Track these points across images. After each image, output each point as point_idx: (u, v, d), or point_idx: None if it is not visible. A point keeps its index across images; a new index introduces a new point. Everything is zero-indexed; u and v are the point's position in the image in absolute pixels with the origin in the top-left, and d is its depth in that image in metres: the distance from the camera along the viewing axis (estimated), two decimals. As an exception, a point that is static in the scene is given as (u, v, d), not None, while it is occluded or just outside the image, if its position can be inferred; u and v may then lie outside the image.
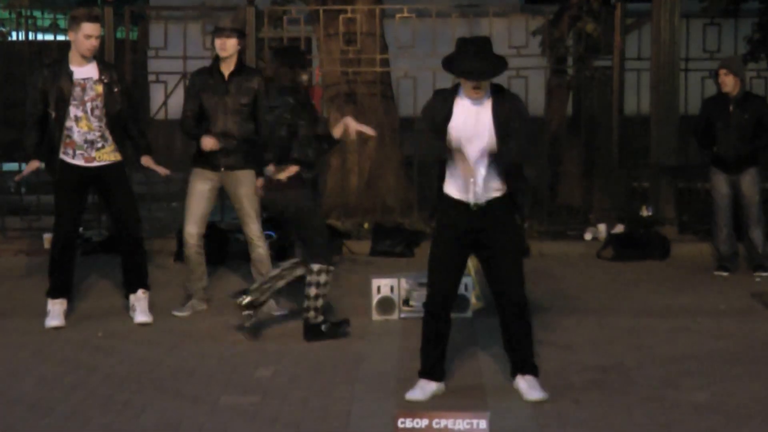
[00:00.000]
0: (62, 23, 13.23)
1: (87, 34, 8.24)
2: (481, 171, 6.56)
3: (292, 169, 7.92)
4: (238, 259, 11.05)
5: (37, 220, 12.01)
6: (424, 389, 6.76)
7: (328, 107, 12.91)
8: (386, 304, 8.79)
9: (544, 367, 7.16)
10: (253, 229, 8.95)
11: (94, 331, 8.43)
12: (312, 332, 8.08)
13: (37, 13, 12.95)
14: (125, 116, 8.56)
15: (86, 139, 8.39)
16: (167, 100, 12.29)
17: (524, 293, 6.80)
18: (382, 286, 8.82)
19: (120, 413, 6.51)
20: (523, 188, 6.70)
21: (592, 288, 10.14)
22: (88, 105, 8.36)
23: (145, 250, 8.92)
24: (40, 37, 13.16)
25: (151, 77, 12.84)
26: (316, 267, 8.03)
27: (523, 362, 6.82)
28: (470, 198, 6.59)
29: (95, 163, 8.44)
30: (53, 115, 8.34)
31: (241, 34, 8.73)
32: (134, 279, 8.71)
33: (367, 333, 8.39)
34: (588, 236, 12.12)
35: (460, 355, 7.63)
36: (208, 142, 8.64)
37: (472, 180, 6.56)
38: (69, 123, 8.34)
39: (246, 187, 8.84)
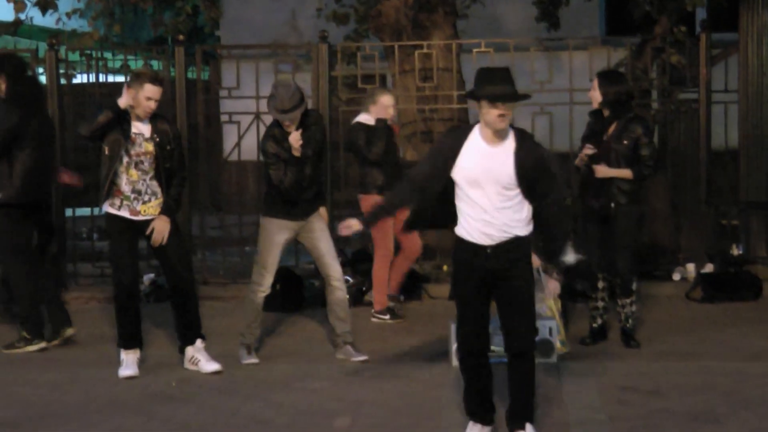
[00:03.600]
0: (133, 64, 13.18)
1: (148, 96, 8.21)
2: (492, 214, 6.41)
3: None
4: (314, 305, 10.87)
5: (109, 266, 11.88)
6: None
7: (404, 146, 12.69)
8: (467, 349, 8.51)
9: (630, 414, 7.04)
10: (335, 270, 8.82)
11: (168, 379, 8.32)
12: None
13: (108, 55, 12.87)
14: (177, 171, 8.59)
15: (133, 188, 8.36)
16: (240, 141, 12.11)
17: (530, 342, 6.53)
18: (463, 330, 8.54)
19: (195, 467, 6.35)
20: (559, 236, 6.50)
21: (681, 330, 9.84)
22: (134, 158, 8.34)
23: (197, 299, 8.75)
24: (110, 78, 13.09)
25: (224, 117, 12.72)
26: None
27: (516, 413, 6.59)
28: (482, 240, 6.44)
29: (140, 217, 8.41)
30: (106, 153, 8.33)
31: (302, 102, 8.58)
32: (190, 330, 8.61)
33: (448, 379, 8.19)
34: (676, 276, 11.87)
35: (545, 401, 7.41)
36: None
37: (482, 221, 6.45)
38: (120, 169, 8.33)
39: (319, 225, 8.80)
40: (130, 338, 8.50)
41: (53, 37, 12.70)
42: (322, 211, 8.93)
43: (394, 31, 12.48)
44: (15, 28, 13.76)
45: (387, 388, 7.96)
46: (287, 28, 18.81)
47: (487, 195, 6.37)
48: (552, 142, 11.54)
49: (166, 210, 8.44)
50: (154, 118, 8.38)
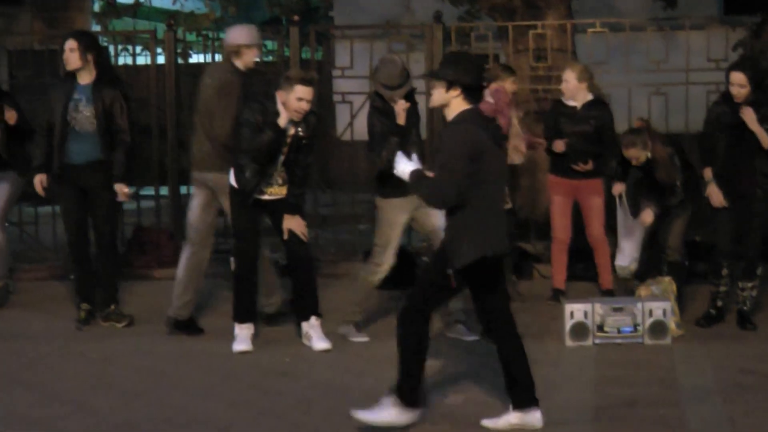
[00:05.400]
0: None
1: (299, 97, 8.19)
2: None
3: None
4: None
5: (223, 242, 12.05)
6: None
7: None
8: (580, 330, 8.56)
9: (748, 397, 7.00)
10: None
11: (281, 355, 8.38)
12: None
13: (223, 35, 13.00)
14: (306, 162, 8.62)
15: (268, 182, 8.46)
16: (353, 121, 12.17)
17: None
18: (576, 311, 8.57)
19: (309, 440, 6.44)
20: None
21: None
22: (281, 157, 8.43)
23: (315, 275, 8.80)
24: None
25: (337, 97, 12.78)
26: None
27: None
28: None
29: (265, 197, 8.49)
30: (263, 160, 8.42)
31: (409, 78, 8.63)
32: (306, 306, 8.63)
33: (560, 359, 8.20)
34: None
35: (658, 383, 7.40)
36: None
37: None
38: (270, 170, 8.42)
39: None
40: (246, 312, 8.57)
41: (171, 18, 12.90)
42: None
43: (507, 11, 12.41)
44: (135, 9, 14.03)
45: (498, 367, 7.83)
46: (400, 8, 18.82)
47: None
48: (667, 123, 11.40)
49: (293, 209, 8.51)
50: (307, 117, 8.39)
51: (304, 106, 8.22)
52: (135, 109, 12.74)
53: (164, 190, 12.48)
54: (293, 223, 8.47)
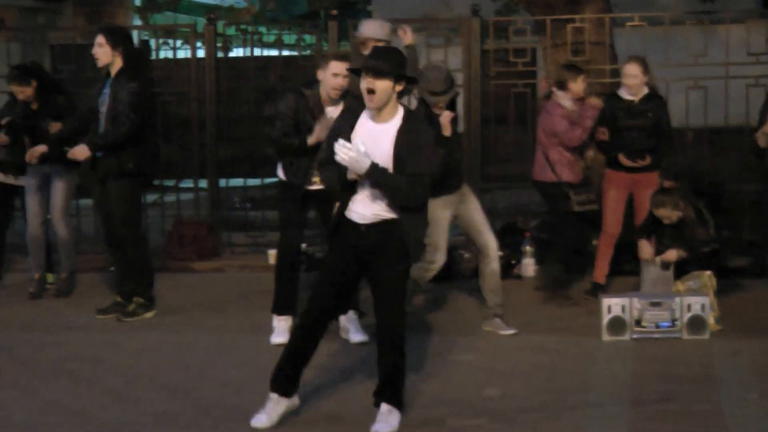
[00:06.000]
0: (286, 39, 13.38)
1: (334, 72, 8.23)
2: (371, 192, 6.31)
3: None
4: (463, 277, 10.89)
5: (262, 235, 12.14)
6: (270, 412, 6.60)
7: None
8: (617, 325, 8.54)
9: None
10: (492, 241, 8.86)
11: (319, 348, 8.34)
12: None
13: (262, 29, 13.09)
14: None
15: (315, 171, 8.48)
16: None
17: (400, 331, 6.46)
18: (613, 305, 8.56)
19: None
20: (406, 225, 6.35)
21: None
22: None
23: None
24: (265, 52, 13.30)
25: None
26: None
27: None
28: (356, 218, 6.38)
29: (314, 186, 8.51)
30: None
31: (453, 85, 8.70)
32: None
33: (598, 354, 8.17)
34: None
35: (694, 379, 7.36)
36: None
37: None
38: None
39: (473, 197, 8.90)
40: (285, 305, 8.60)
41: (211, 12, 12.98)
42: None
43: (545, 5, 12.38)
44: (175, 4, 14.10)
45: (536, 362, 7.94)
46: (438, 2, 18.83)
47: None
48: (706, 117, 11.36)
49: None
50: (344, 97, 8.39)
51: (341, 81, 8.27)
52: (174, 102, 12.92)
53: (203, 183, 12.56)
54: None
